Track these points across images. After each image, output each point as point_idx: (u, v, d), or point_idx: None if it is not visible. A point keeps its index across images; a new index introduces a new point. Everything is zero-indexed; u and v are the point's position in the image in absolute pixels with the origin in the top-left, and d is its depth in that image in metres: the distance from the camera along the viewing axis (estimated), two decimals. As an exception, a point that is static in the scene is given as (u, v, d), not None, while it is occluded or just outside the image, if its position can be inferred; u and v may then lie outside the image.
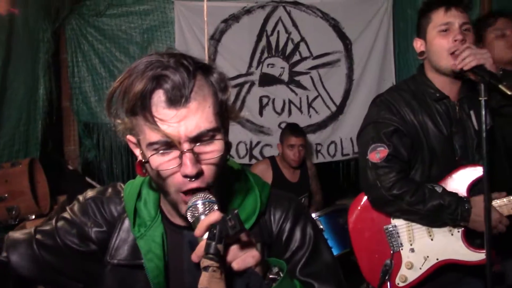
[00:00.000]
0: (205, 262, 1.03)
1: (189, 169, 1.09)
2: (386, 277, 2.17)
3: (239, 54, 4.55)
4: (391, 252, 2.20)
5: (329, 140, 4.62)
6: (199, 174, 1.11)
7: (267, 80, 4.58)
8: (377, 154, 2.14)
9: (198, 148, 1.11)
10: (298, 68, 4.57)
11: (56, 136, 4.42)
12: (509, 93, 1.87)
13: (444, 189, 2.10)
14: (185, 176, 1.11)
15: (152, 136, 1.09)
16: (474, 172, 2.15)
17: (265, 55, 4.56)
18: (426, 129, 2.17)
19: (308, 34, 4.54)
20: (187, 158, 1.09)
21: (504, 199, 2.10)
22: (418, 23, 2.25)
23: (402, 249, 2.20)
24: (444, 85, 2.20)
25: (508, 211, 2.11)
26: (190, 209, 1.12)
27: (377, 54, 4.49)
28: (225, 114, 1.17)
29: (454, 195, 2.09)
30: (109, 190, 1.38)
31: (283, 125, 4.44)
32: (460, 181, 2.16)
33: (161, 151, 1.11)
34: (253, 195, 1.32)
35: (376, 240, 2.24)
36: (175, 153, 1.11)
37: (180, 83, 1.08)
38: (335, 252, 3.44)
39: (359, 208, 2.31)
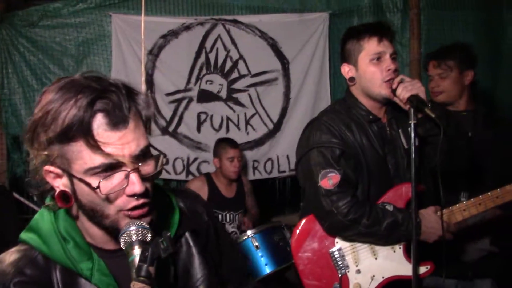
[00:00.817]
0: (136, 285, 1.03)
1: (138, 187, 1.11)
2: None
3: (178, 70, 4.54)
4: (339, 275, 2.21)
5: (266, 157, 4.67)
6: (145, 194, 1.14)
7: (205, 96, 4.58)
8: (330, 180, 2.13)
9: (141, 166, 1.13)
10: (236, 86, 4.61)
11: (-17, 149, 4.22)
12: (432, 115, 2.00)
13: (394, 207, 2.17)
14: (133, 195, 1.12)
15: (95, 160, 1.08)
16: (408, 190, 2.20)
17: (204, 71, 4.57)
18: (364, 150, 2.22)
19: (246, 52, 4.59)
20: (134, 177, 1.11)
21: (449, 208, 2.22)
22: (345, 48, 2.29)
23: (348, 271, 2.21)
24: (374, 108, 2.28)
25: (455, 219, 2.25)
26: (124, 235, 1.11)
27: (313, 74, 4.59)
28: (149, 131, 1.19)
29: (405, 211, 2.15)
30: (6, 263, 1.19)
31: (221, 142, 4.47)
32: (396, 199, 2.22)
33: (104, 175, 1.10)
34: (168, 197, 1.38)
35: (322, 265, 2.23)
36: (119, 174, 1.11)
37: (119, 104, 1.09)
38: (270, 268, 3.44)
39: (302, 235, 2.28)
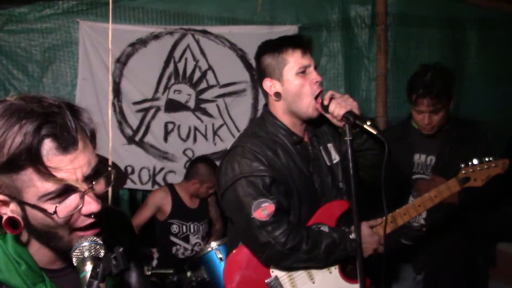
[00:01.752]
0: None
1: (95, 206, 1.12)
2: None
3: (146, 78, 4.50)
4: None
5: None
6: (100, 213, 1.14)
7: (173, 106, 4.55)
8: (264, 211, 2.02)
9: (95, 185, 1.12)
10: (204, 96, 4.59)
11: None
12: (374, 132, 1.97)
13: (329, 227, 2.13)
14: (90, 214, 1.12)
15: (48, 186, 1.06)
16: (338, 207, 2.22)
17: (172, 81, 4.54)
18: (292, 173, 2.14)
19: (215, 63, 4.58)
20: (91, 196, 1.11)
21: (378, 220, 2.22)
22: (265, 63, 2.17)
23: None
24: (295, 127, 2.21)
25: (396, 225, 2.28)
26: (76, 251, 1.11)
27: (282, 86, 4.62)
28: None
29: (339, 230, 2.13)
30: None
31: (188, 152, 4.44)
32: (326, 218, 2.19)
33: (59, 199, 1.08)
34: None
35: None
36: (74, 196, 1.10)
37: (66, 126, 1.07)
38: None
39: (234, 267, 2.19)
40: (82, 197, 1.10)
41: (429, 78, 2.77)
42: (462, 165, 2.34)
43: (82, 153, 1.09)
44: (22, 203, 1.09)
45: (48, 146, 1.05)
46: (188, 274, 3.33)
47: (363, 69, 4.55)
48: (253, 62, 4.47)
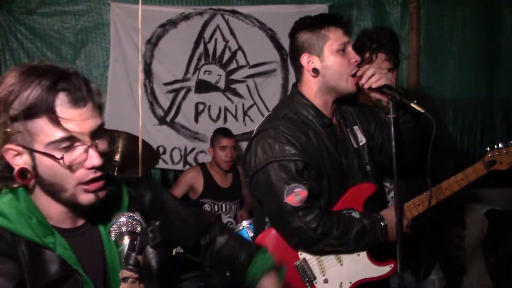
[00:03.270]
0: (124, 273, 1.09)
1: (97, 160, 1.21)
2: None
3: (176, 59, 4.53)
4: (306, 287, 2.14)
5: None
6: (102, 167, 1.24)
7: (204, 87, 4.58)
8: (297, 196, 1.99)
9: (98, 142, 1.24)
10: (234, 76, 4.61)
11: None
12: (422, 110, 1.94)
13: (360, 213, 2.11)
14: (92, 167, 1.22)
15: (57, 133, 1.18)
16: (366, 190, 2.20)
17: (202, 61, 4.56)
18: (322, 155, 2.12)
19: (245, 43, 4.58)
20: (93, 151, 1.22)
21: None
22: (303, 39, 2.12)
23: (316, 282, 2.14)
24: (325, 107, 2.17)
25: (411, 214, 2.25)
26: (113, 226, 1.20)
27: (311, 66, 4.59)
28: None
29: (370, 216, 2.11)
30: None
31: (218, 132, 4.48)
32: (353, 200, 2.18)
33: (65, 148, 1.20)
34: (121, 186, 1.46)
35: (288, 279, 2.10)
36: (80, 148, 1.21)
37: (79, 86, 1.20)
38: None
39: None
40: (86, 151, 1.21)
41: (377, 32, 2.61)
42: (488, 149, 2.33)
43: (91, 111, 1.22)
44: (33, 152, 1.20)
45: (61, 99, 1.18)
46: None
47: (395, 49, 4.49)
48: (283, 42, 4.57)
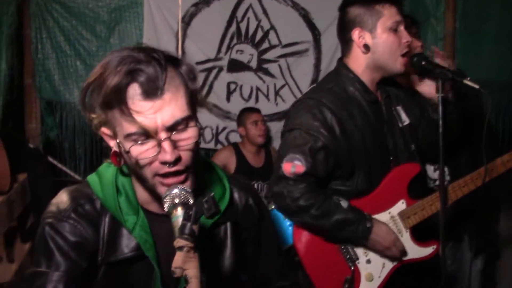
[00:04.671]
0: (180, 242, 1.07)
1: (168, 155, 1.16)
2: None
3: (208, 38, 4.53)
4: (349, 268, 2.13)
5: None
6: (177, 160, 1.18)
7: (236, 66, 4.58)
8: (293, 167, 2.00)
9: (174, 136, 1.17)
10: (266, 56, 4.59)
11: (17, 113, 4.31)
12: (476, 86, 1.92)
13: (349, 205, 2.08)
14: (164, 162, 1.17)
15: (129, 127, 1.15)
16: (410, 170, 2.19)
17: (234, 41, 4.56)
18: (364, 134, 2.10)
19: (278, 22, 4.55)
20: (165, 145, 1.16)
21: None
22: (355, 13, 2.10)
23: (358, 262, 2.14)
24: (372, 84, 2.16)
25: (456, 196, 2.20)
26: (167, 198, 1.17)
27: (344, 46, 4.54)
28: (195, 102, 1.23)
29: (358, 212, 2.08)
30: (70, 202, 1.31)
31: (250, 112, 4.50)
32: (397, 181, 2.17)
33: (140, 141, 1.17)
34: (222, 182, 1.43)
35: (331, 260, 2.14)
36: (153, 142, 1.17)
37: (154, 75, 1.13)
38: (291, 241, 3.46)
39: (305, 231, 2.18)
40: (158, 145, 1.16)
41: None
42: None
43: (167, 104, 1.15)
44: (117, 139, 1.21)
45: (134, 90, 1.14)
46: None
47: (430, 29, 4.41)
48: (316, 22, 4.54)
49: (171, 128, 1.16)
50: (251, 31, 4.56)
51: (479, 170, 2.17)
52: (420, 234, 2.19)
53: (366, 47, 2.09)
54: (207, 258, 1.29)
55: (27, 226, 3.81)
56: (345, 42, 2.17)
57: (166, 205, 1.17)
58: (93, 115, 1.20)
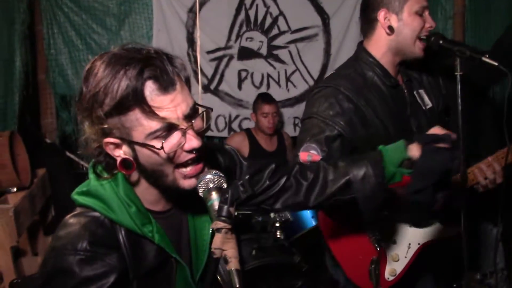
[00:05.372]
0: (218, 224, 1.12)
1: (196, 142, 1.21)
2: (376, 275, 2.08)
3: (218, 27, 4.55)
4: (375, 249, 2.12)
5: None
6: (202, 148, 1.23)
7: (246, 53, 4.60)
8: (309, 156, 1.99)
9: (194, 122, 1.22)
10: (276, 42, 4.60)
11: (33, 109, 4.37)
12: (495, 63, 1.87)
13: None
14: (192, 150, 1.22)
15: (153, 124, 1.17)
16: None
17: (244, 28, 4.57)
18: (384, 119, 2.11)
19: (286, 8, 4.56)
20: (191, 133, 1.20)
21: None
22: None
23: (384, 243, 2.17)
24: (392, 67, 2.16)
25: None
26: (201, 183, 1.22)
27: (354, 29, 4.52)
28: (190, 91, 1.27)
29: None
30: (77, 228, 1.25)
31: (261, 99, 4.52)
32: None
33: (164, 136, 1.19)
34: (217, 156, 1.51)
35: (357, 242, 2.16)
36: (177, 133, 1.20)
37: (165, 69, 1.17)
38: (316, 221, 3.48)
39: (330, 214, 2.20)
40: (184, 134, 1.20)
41: None
42: None
43: (180, 93, 1.19)
44: (132, 143, 1.20)
45: (150, 87, 1.15)
46: (272, 214, 3.45)
47: (440, 7, 4.38)
48: (324, 6, 4.53)
49: (190, 116, 1.21)
50: (260, 18, 4.57)
51: (504, 149, 2.15)
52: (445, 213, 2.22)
53: (391, 29, 2.08)
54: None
55: (48, 219, 3.89)
56: (369, 22, 2.15)
57: (200, 191, 1.22)
58: (98, 126, 1.19)
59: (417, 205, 1.62)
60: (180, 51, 4.42)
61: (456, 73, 1.91)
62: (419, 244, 2.20)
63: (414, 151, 1.56)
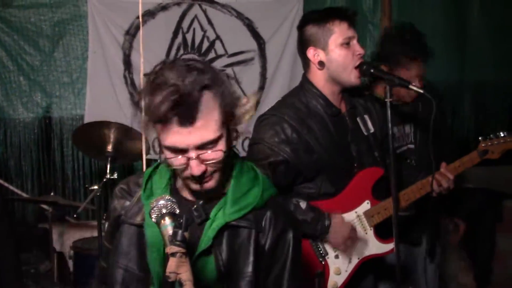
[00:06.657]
0: (173, 249, 1.17)
1: (195, 171, 1.35)
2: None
3: (155, 50, 4.51)
4: (320, 262, 2.28)
5: (244, 136, 4.72)
6: (203, 173, 1.37)
7: (183, 76, 4.60)
8: None
9: (203, 154, 1.35)
10: (213, 66, 4.63)
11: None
12: (421, 91, 2.11)
13: (307, 205, 2.21)
14: (192, 175, 1.37)
15: (166, 141, 1.36)
16: (373, 174, 2.35)
17: (181, 51, 4.60)
18: (325, 145, 2.24)
19: (223, 32, 4.63)
20: (192, 163, 1.35)
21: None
22: (309, 32, 2.24)
23: (328, 257, 2.29)
24: (334, 97, 2.30)
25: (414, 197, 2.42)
26: (154, 209, 1.30)
27: (289, 53, 4.65)
28: (231, 120, 1.41)
29: (317, 211, 2.22)
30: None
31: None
32: (362, 185, 2.34)
33: (173, 153, 1.37)
34: (257, 190, 1.50)
35: (303, 255, 2.19)
36: (182, 158, 1.36)
37: (193, 107, 1.30)
38: None
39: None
40: (188, 161, 1.35)
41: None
42: (481, 138, 2.50)
43: (198, 129, 1.32)
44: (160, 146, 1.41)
45: (172, 119, 1.31)
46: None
47: (368, 35, 4.62)
48: (260, 31, 4.65)
49: (200, 147, 1.34)
50: (197, 42, 4.62)
51: (428, 178, 2.38)
52: (382, 232, 2.37)
53: (321, 64, 2.23)
54: (230, 255, 1.42)
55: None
56: (304, 59, 2.33)
57: (153, 216, 1.29)
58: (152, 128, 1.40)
59: None
60: (116, 73, 4.39)
61: (386, 100, 2.07)
62: (358, 258, 2.32)
63: None
